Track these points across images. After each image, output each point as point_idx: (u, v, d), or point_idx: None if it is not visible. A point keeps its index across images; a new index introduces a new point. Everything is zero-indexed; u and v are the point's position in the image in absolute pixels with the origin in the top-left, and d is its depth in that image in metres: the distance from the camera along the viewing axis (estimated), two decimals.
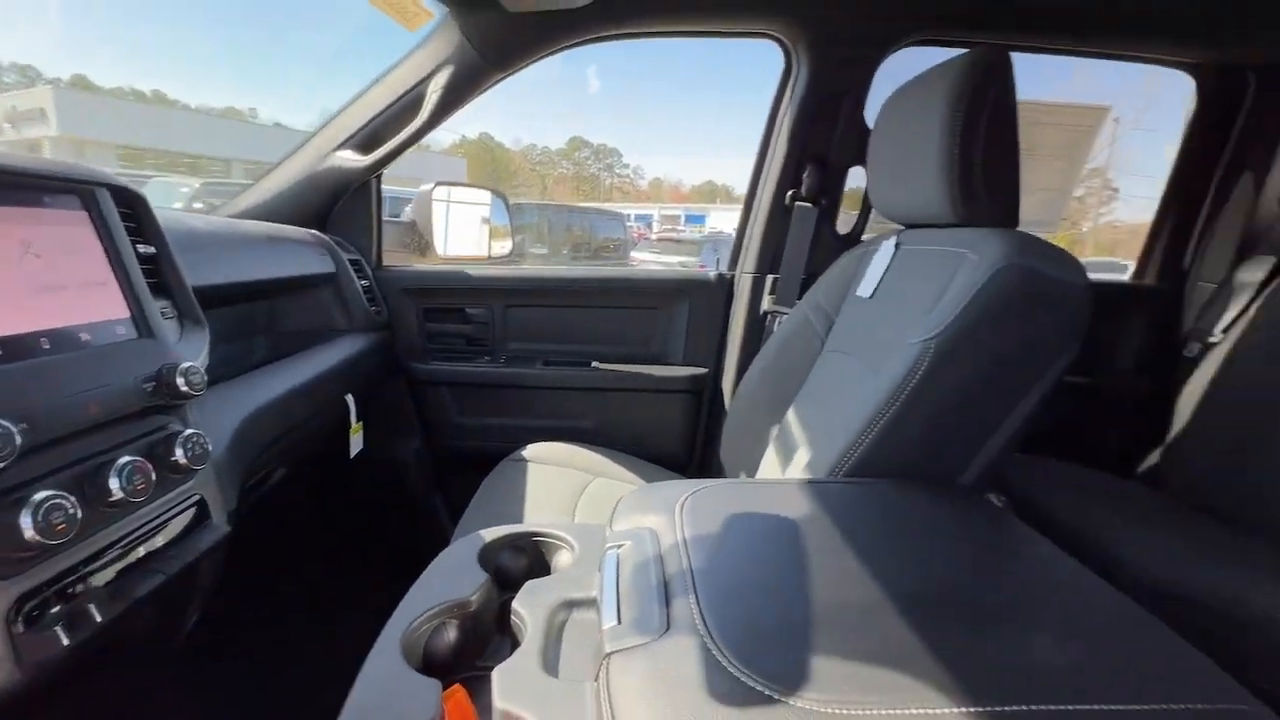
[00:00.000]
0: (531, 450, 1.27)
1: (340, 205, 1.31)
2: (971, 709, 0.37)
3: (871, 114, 1.27)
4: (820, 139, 1.29)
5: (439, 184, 1.52)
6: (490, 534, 0.70)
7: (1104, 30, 1.22)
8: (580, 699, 0.46)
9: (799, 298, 1.28)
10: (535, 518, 1.04)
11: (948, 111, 0.82)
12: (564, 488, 1.17)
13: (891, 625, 0.46)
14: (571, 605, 0.59)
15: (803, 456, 0.91)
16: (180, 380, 0.59)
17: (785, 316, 1.26)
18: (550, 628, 0.55)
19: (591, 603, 0.59)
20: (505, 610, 0.62)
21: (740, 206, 1.45)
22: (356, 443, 1.21)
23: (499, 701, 0.46)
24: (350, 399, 1.17)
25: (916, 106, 0.91)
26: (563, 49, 1.19)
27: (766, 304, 1.37)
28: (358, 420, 1.20)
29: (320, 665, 0.95)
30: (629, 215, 16.85)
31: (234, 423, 0.75)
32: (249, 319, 1.13)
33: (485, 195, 1.69)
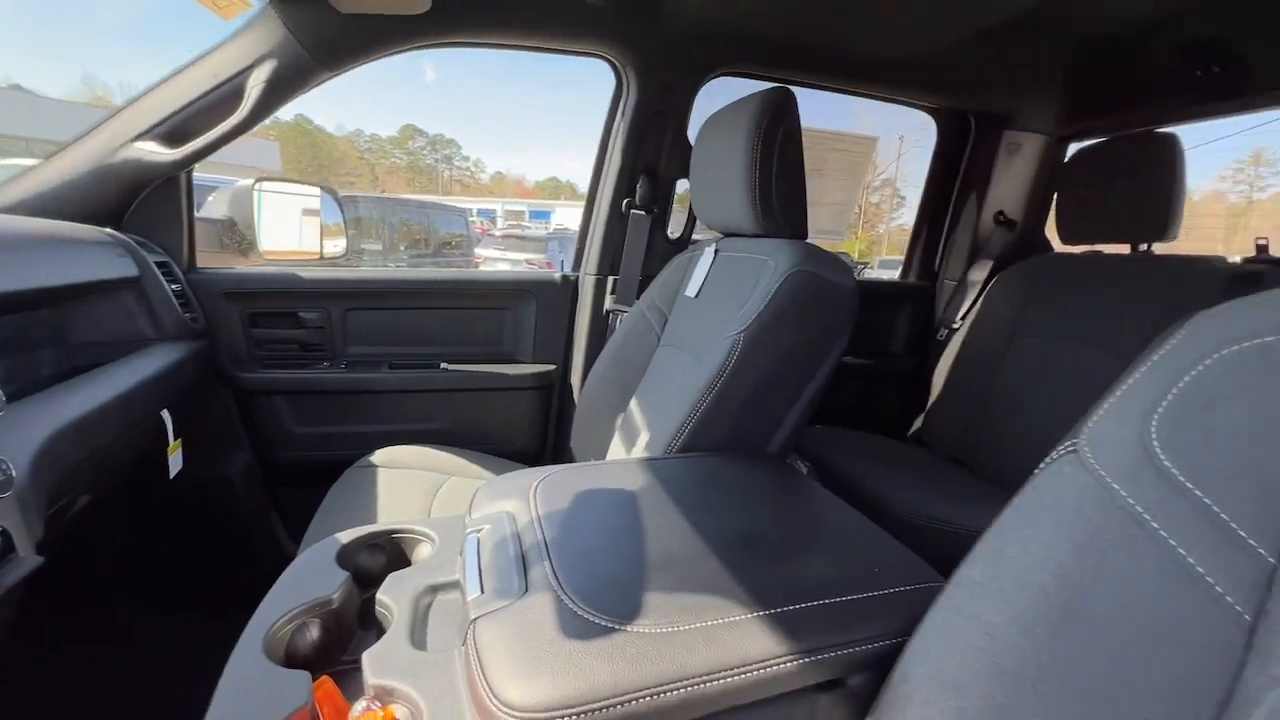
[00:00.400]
0: (380, 455, 1.25)
1: (141, 201, 1.18)
2: (757, 613, 0.50)
3: (694, 133, 1.44)
4: (650, 153, 1.42)
5: (261, 179, 1.42)
6: (347, 535, 0.72)
7: (870, 77, 1.50)
8: (450, 664, 0.52)
9: (637, 297, 1.40)
10: (389, 520, 1.04)
11: (747, 142, 0.98)
12: (417, 489, 1.17)
13: (706, 565, 0.57)
14: (436, 589, 0.64)
15: (643, 439, 1.03)
16: None
17: (625, 315, 1.38)
18: (416, 611, 0.60)
19: (454, 585, 0.64)
20: (368, 607, 0.65)
21: (584, 201, 1.54)
22: (175, 462, 1.11)
23: (371, 678, 0.51)
24: (166, 415, 1.07)
25: (724, 135, 1.06)
26: (397, 53, 1.19)
27: (608, 303, 1.48)
28: (176, 437, 1.10)
29: (157, 696, 0.88)
30: (471, 210, 16.29)
31: (34, 445, 0.68)
32: (27, 330, 0.99)
33: (314, 191, 1.60)
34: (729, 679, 0.46)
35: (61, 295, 0.96)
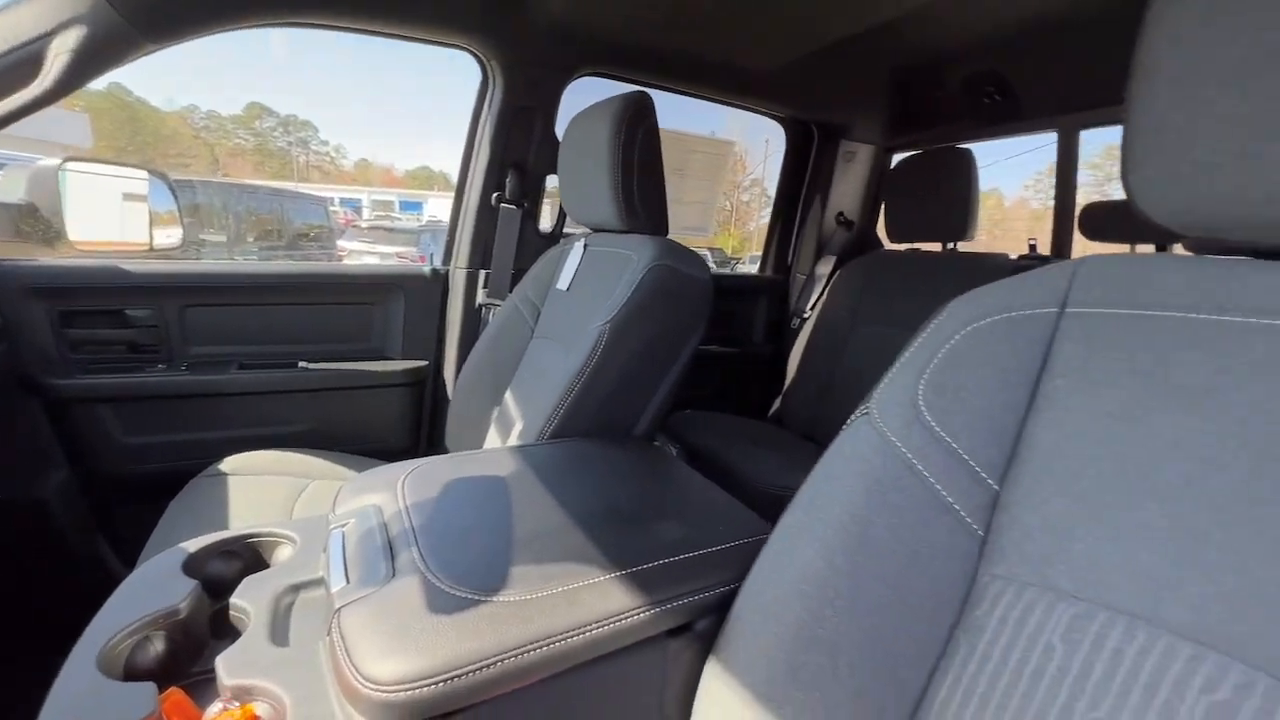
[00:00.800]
0: (230, 463, 1.17)
1: None
2: (614, 574, 0.55)
3: (562, 129, 1.47)
4: (518, 148, 1.44)
5: (69, 159, 1.25)
6: (195, 543, 0.68)
7: (725, 86, 1.62)
8: (314, 657, 0.52)
9: (510, 291, 1.42)
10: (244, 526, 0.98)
11: (610, 143, 1.03)
12: (274, 496, 1.11)
13: (570, 537, 0.62)
14: (298, 588, 0.63)
15: (516, 429, 1.05)
16: None
17: (498, 308, 1.39)
18: (276, 611, 0.59)
19: (319, 582, 0.63)
20: (220, 617, 0.62)
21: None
22: None
23: (226, 679, 0.50)
24: None
25: (589, 134, 1.11)
26: (238, 28, 1.10)
27: (481, 297, 1.48)
28: None
29: None
30: (333, 199, 15.04)
31: None
32: None
33: (139, 174, 1.44)
34: (589, 633, 0.51)
35: None
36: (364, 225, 9.79)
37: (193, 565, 0.65)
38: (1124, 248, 1.57)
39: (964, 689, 0.44)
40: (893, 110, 1.73)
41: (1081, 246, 1.70)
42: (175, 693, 0.52)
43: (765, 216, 2.05)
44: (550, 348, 1.19)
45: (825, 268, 1.92)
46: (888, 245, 1.85)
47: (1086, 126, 1.60)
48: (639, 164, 1.06)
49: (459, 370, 1.44)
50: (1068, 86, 1.43)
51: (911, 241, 1.69)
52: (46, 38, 0.97)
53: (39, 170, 1.21)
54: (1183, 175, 0.41)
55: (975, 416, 0.49)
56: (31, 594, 1.20)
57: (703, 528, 0.66)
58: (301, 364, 1.37)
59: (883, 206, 1.76)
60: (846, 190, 1.93)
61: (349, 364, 1.41)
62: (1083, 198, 1.68)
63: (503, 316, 1.31)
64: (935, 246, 1.65)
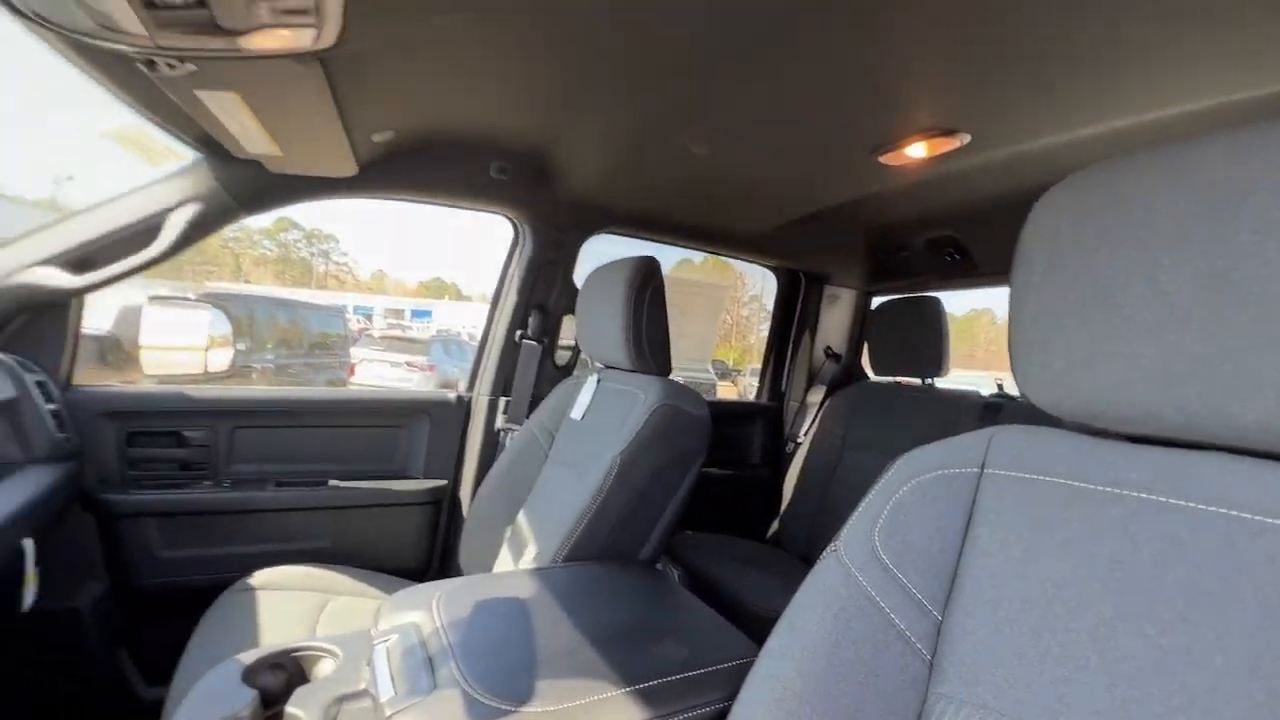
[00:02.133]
0: (259, 577, 1.25)
1: (24, 321, 1.19)
2: (624, 690, 0.65)
3: (580, 277, 1.68)
4: (542, 292, 1.64)
5: (153, 298, 1.45)
6: (250, 655, 0.78)
7: (722, 243, 1.87)
8: None
9: (527, 417, 1.56)
10: (280, 640, 1.05)
11: (623, 298, 1.22)
12: (301, 610, 1.18)
13: (584, 655, 0.71)
14: (343, 699, 0.71)
15: (530, 550, 1.15)
16: None
17: (516, 433, 1.52)
18: None
19: (363, 694, 0.72)
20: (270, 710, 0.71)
21: (468, 303, 1.72)
22: (30, 594, 1.05)
23: None
24: (29, 544, 1.03)
25: (605, 288, 1.30)
26: (314, 201, 1.34)
27: (500, 422, 1.62)
28: (35, 566, 1.05)
29: None
30: (347, 306, 15.69)
31: None
32: None
33: (204, 308, 1.64)
34: None
35: None
36: (377, 334, 10.18)
37: (249, 676, 0.74)
38: None
39: None
40: (870, 263, 1.98)
41: None
42: None
43: (764, 329, 2.25)
44: (563, 473, 1.31)
45: (816, 396, 2.08)
46: (873, 377, 2.02)
47: None
48: (647, 316, 1.25)
49: (475, 490, 1.55)
50: (1013, 249, 1.66)
51: (894, 375, 1.86)
52: (167, 212, 1.19)
53: (126, 309, 1.40)
54: (1055, 375, 0.56)
55: (919, 556, 0.61)
56: (52, 699, 1.24)
57: (699, 649, 0.75)
58: (331, 482, 1.48)
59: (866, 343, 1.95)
60: (833, 327, 2.13)
61: (373, 482, 1.52)
62: None
63: (520, 441, 1.44)
64: (915, 379, 1.82)
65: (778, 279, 2.14)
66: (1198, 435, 0.47)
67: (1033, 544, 0.55)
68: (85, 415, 1.26)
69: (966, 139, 1.04)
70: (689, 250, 2.02)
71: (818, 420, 1.99)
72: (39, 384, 1.16)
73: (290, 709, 0.68)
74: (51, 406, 1.17)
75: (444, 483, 1.59)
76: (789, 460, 2.06)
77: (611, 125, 1.18)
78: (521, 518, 1.33)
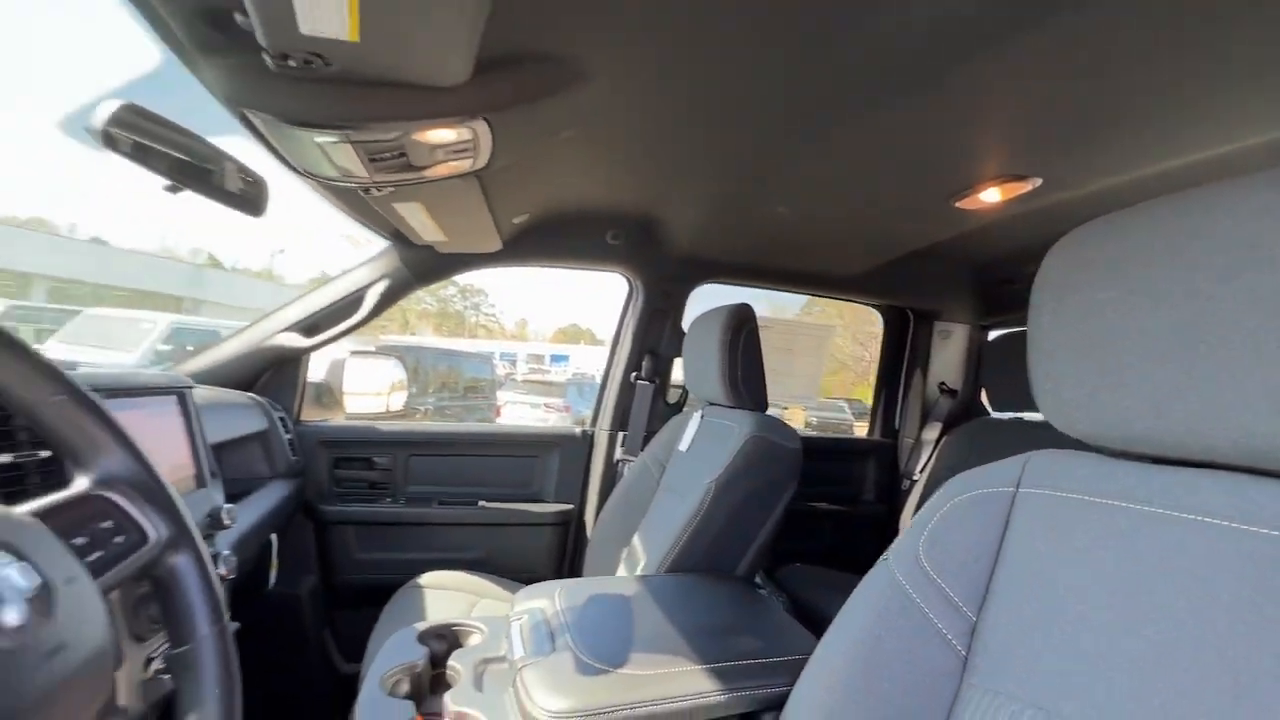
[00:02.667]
0: (427, 578, 1.53)
1: (272, 373, 1.60)
2: (703, 666, 0.78)
3: (686, 322, 1.87)
4: (653, 339, 1.85)
5: (353, 352, 1.86)
6: (422, 626, 1.01)
7: (824, 286, 1.97)
8: (502, 700, 0.80)
9: (641, 449, 1.75)
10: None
11: (720, 342, 1.38)
12: (457, 606, 1.44)
13: (671, 639, 0.86)
14: (488, 661, 0.92)
15: (640, 564, 1.32)
16: (224, 516, 0.88)
17: (631, 464, 1.71)
18: (477, 672, 0.88)
19: (502, 659, 0.92)
20: (437, 676, 0.93)
21: (601, 347, 1.95)
22: (273, 577, 1.41)
23: (452, 706, 0.79)
24: (274, 538, 1.39)
25: (706, 334, 1.47)
26: (471, 271, 1.67)
27: (618, 454, 1.82)
28: (275, 557, 1.41)
29: None
30: (494, 354, 17.21)
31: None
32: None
33: (387, 359, 2.04)
34: (683, 703, 0.74)
35: (232, 443, 1.33)
36: (520, 378, 11.09)
37: (423, 638, 0.98)
38: None
39: None
40: (980, 297, 1.96)
41: None
42: (420, 717, 0.82)
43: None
44: (671, 499, 1.47)
45: (931, 433, 2.06)
46: (992, 413, 1.97)
47: None
48: (742, 358, 1.39)
49: (597, 514, 1.75)
50: None
51: (1013, 410, 1.81)
52: (367, 287, 1.56)
53: (334, 361, 1.81)
54: (1067, 403, 0.63)
55: (958, 564, 0.69)
56: (277, 668, 1.59)
57: (772, 644, 0.87)
58: (481, 503, 1.76)
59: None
60: (947, 362, 2.11)
61: (514, 504, 1.78)
62: None
63: (635, 471, 1.63)
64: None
65: (884, 317, 2.17)
66: (1185, 454, 0.54)
67: (1054, 553, 0.62)
68: (308, 444, 1.65)
69: (1038, 182, 1.09)
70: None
71: (935, 456, 1.97)
72: (280, 419, 1.56)
73: (451, 664, 0.90)
74: (288, 436, 1.56)
75: (571, 506, 1.82)
76: (904, 497, 2.05)
77: (706, 192, 1.37)
78: (635, 538, 1.50)
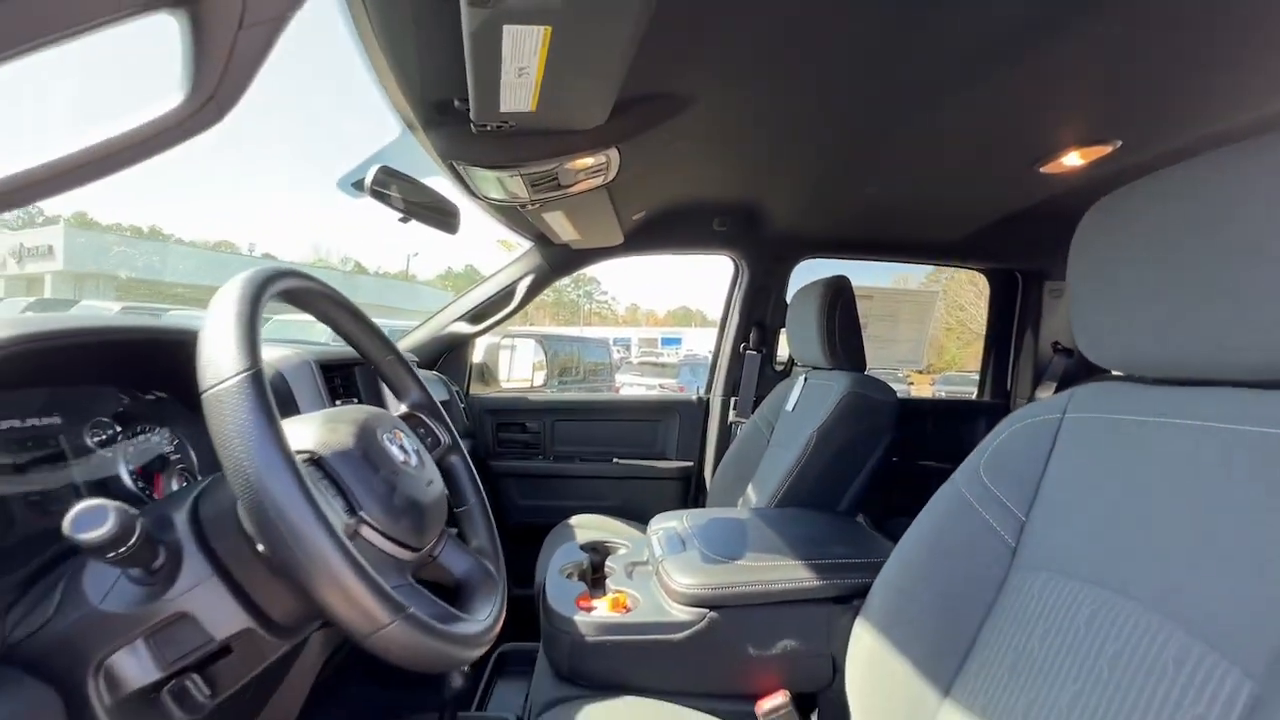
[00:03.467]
0: (574, 520, 1.86)
1: (448, 355, 2.00)
2: (802, 560, 1.00)
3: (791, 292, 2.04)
4: (759, 312, 2.04)
5: (505, 335, 2.23)
6: (582, 541, 1.31)
7: (924, 253, 2.05)
8: (648, 585, 1.07)
9: (753, 412, 1.95)
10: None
11: (818, 310, 1.55)
12: (601, 538, 1.75)
13: (780, 544, 1.08)
14: (634, 564, 1.19)
15: (751, 504, 1.54)
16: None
17: (744, 425, 1.93)
18: (627, 570, 1.16)
19: (645, 562, 1.19)
20: (596, 578, 1.22)
21: (712, 329, 2.17)
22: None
23: (613, 586, 1.07)
24: None
25: (806, 304, 1.65)
26: (598, 263, 1.96)
27: (731, 416, 2.05)
28: None
29: None
30: (610, 340, 17.90)
31: None
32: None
33: (533, 343, 2.41)
34: (786, 585, 0.96)
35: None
36: (635, 361, 11.56)
37: (583, 548, 1.28)
38: None
39: (998, 632, 0.78)
40: None
41: None
42: (585, 596, 1.11)
43: None
44: (778, 452, 1.67)
45: (1045, 392, 2.07)
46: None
47: None
48: (839, 323, 1.56)
49: (715, 470, 1.99)
50: None
51: None
52: (517, 282, 1.90)
53: (490, 344, 2.19)
54: (1102, 338, 0.77)
55: (1012, 476, 0.85)
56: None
57: (860, 549, 1.06)
58: (614, 459, 2.07)
59: None
60: (1060, 321, 2.10)
61: (642, 461, 2.07)
62: None
63: (747, 432, 1.84)
64: None
65: (990, 280, 2.19)
66: (1194, 375, 0.67)
67: (1090, 463, 0.78)
68: (476, 411, 2.04)
69: (1118, 144, 1.16)
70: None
71: None
72: (456, 392, 1.95)
73: (608, 564, 1.18)
74: (462, 405, 1.95)
75: (690, 463, 2.08)
76: None
77: (804, 177, 1.54)
78: (749, 488, 1.73)
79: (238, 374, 0.45)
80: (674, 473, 2.06)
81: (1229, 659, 0.53)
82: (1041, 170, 1.31)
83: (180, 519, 0.53)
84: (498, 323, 1.94)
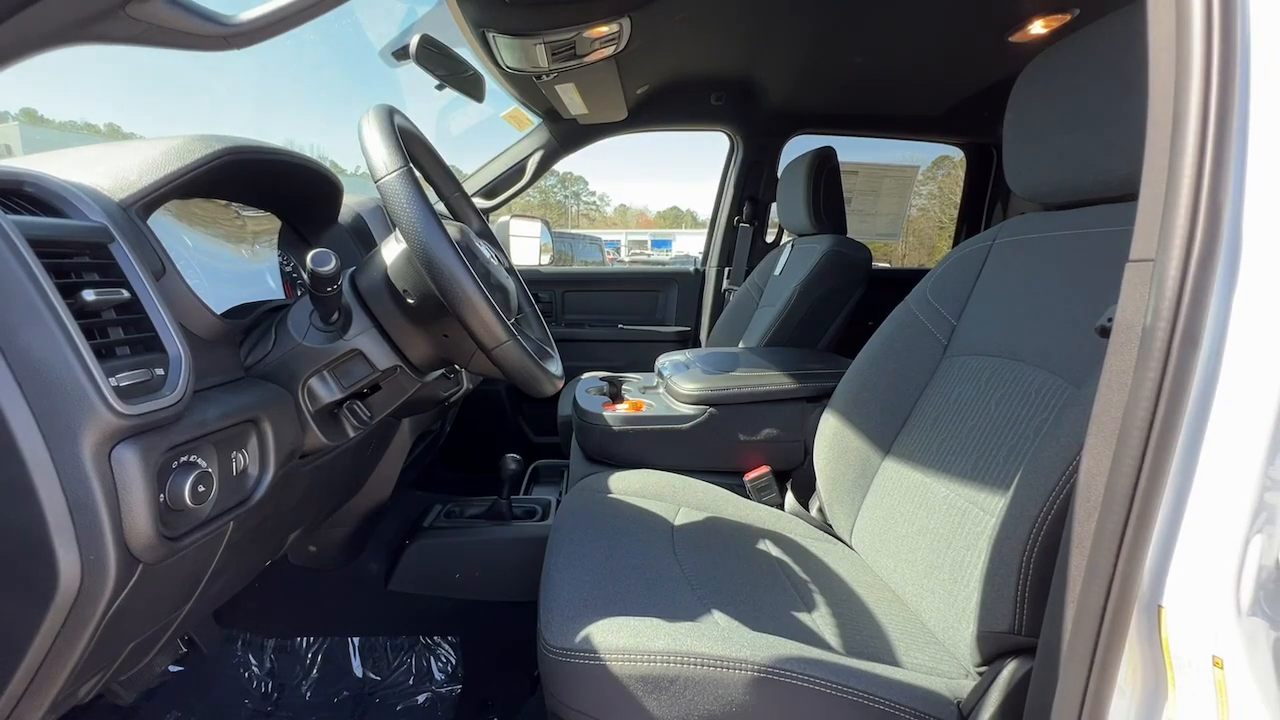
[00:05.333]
0: (586, 375, 2.12)
1: None
2: (784, 372, 1.26)
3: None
4: (752, 187, 2.20)
5: (513, 216, 2.39)
6: (600, 373, 1.57)
7: (905, 128, 2.18)
8: (659, 394, 1.33)
9: (744, 279, 2.17)
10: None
11: (805, 181, 1.73)
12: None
13: (768, 365, 1.33)
14: (645, 388, 1.45)
15: (753, 337, 1.80)
16: None
17: (735, 292, 2.15)
18: (640, 391, 1.41)
19: (654, 386, 1.45)
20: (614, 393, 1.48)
21: (703, 231, 2.35)
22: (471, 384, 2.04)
23: (628, 398, 1.33)
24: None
25: (794, 177, 1.82)
26: (604, 139, 2.08)
27: (725, 284, 2.26)
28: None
29: None
30: (603, 240, 17.76)
31: None
32: None
33: (537, 225, 2.56)
34: (770, 387, 1.22)
35: None
36: (626, 261, 11.61)
37: (603, 379, 1.53)
38: None
39: (927, 403, 1.04)
40: None
41: None
42: (609, 403, 1.37)
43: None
44: (767, 311, 1.90)
45: None
46: None
47: None
48: (824, 192, 1.74)
49: (709, 332, 2.24)
50: None
51: None
52: (528, 158, 2.04)
53: (500, 222, 2.34)
54: (1022, 172, 0.97)
55: (948, 293, 1.08)
56: (491, 440, 2.30)
57: (829, 364, 1.32)
58: (619, 325, 2.30)
59: None
60: None
61: (644, 326, 2.31)
62: None
63: (739, 297, 2.07)
64: None
65: (966, 155, 2.35)
66: (1084, 197, 0.88)
67: (1003, 274, 1.00)
68: None
69: (1076, 12, 1.30)
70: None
71: None
72: None
73: (624, 386, 1.44)
74: None
75: (688, 328, 2.32)
76: None
77: (796, 51, 1.66)
78: (740, 343, 1.98)
79: (398, 169, 0.65)
80: (673, 336, 2.31)
81: (1062, 378, 0.78)
82: (1011, 40, 1.45)
83: (346, 288, 0.74)
84: (510, 197, 2.10)
